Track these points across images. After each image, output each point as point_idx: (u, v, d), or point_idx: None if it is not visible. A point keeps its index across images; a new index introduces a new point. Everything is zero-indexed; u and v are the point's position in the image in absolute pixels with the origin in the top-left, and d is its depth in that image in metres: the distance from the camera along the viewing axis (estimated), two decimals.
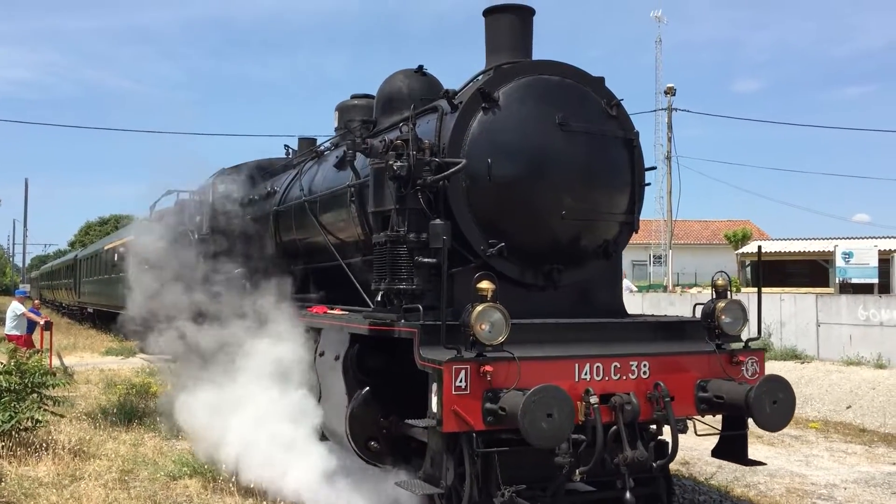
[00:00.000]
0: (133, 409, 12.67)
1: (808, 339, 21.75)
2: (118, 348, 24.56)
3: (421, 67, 8.70)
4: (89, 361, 21.79)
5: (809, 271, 39.99)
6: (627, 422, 6.04)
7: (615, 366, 6.10)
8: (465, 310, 5.78)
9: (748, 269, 41.80)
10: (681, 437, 6.28)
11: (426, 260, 6.43)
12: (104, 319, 31.09)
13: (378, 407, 6.87)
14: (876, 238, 40.56)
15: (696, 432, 6.56)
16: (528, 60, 7.14)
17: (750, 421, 6.40)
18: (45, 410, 10.39)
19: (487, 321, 5.75)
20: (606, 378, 6.08)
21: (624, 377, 6.13)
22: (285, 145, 12.03)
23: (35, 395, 10.42)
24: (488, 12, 7.31)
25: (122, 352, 23.67)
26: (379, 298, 6.91)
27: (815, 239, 39.86)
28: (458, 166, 6.37)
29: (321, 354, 7.52)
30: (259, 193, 11.16)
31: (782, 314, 21.28)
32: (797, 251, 38.43)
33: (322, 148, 10.15)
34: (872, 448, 11.76)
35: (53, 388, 10.69)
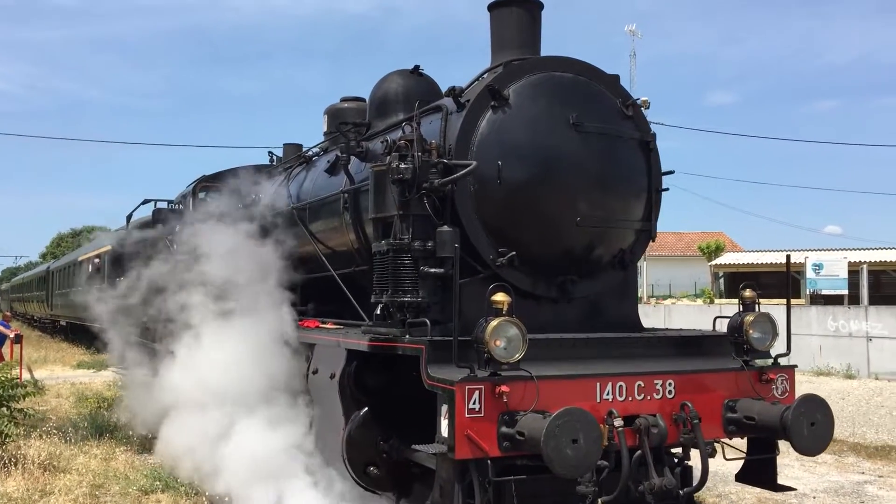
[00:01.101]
0: (104, 423, 12.25)
1: (779, 350, 21.48)
2: (90, 361, 23.83)
3: (417, 67, 8.13)
4: (60, 375, 21.06)
5: (781, 282, 39.76)
6: (654, 446, 5.47)
7: (639, 385, 5.53)
8: (479, 324, 5.20)
9: (721, 280, 41.63)
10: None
11: (432, 270, 5.84)
12: (77, 333, 30.08)
13: (377, 429, 6.27)
14: (846, 250, 40.59)
15: (724, 456, 5.99)
16: (539, 56, 6.57)
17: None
18: (14, 424, 9.77)
19: (503, 337, 5.16)
20: (630, 398, 5.50)
21: (648, 397, 5.56)
22: (269, 152, 11.43)
23: (4, 409, 9.82)
24: (494, 6, 6.72)
25: (94, 365, 22.96)
26: (378, 312, 6.32)
27: (787, 251, 39.68)
28: (468, 168, 5.78)
29: (314, 372, 6.89)
30: (242, 201, 10.50)
31: None
32: (769, 263, 38.28)
33: (310, 153, 9.53)
34: (842, 457, 11.55)
35: (24, 398, 10.03)
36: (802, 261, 37.66)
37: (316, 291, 8.79)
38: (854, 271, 36.29)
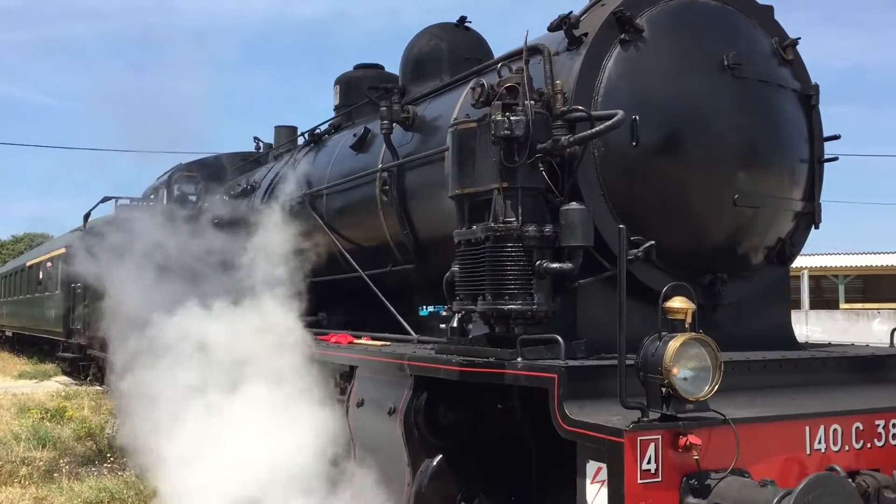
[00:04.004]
0: (47, 434, 10.86)
1: None
2: (32, 371, 21.35)
3: (463, 19, 6.23)
4: (1, 385, 18.54)
5: None
6: None
7: (857, 427, 3.67)
8: (647, 344, 3.30)
9: None
10: None
11: (555, 265, 3.90)
12: (24, 343, 27.10)
13: (457, 483, 4.33)
14: None
15: None
16: None
17: None
18: None
19: (688, 362, 3.27)
20: (846, 447, 3.64)
21: (869, 445, 3.70)
22: (255, 137, 9.33)
23: None
24: None
25: (37, 375, 20.53)
26: (455, 324, 4.37)
27: None
28: (614, 118, 3.81)
29: (359, 404, 4.89)
30: (231, 192, 8.42)
31: None
32: None
33: (320, 131, 7.46)
34: None
35: None
36: None
37: (330, 296, 6.79)
38: (795, 276, 35.49)
